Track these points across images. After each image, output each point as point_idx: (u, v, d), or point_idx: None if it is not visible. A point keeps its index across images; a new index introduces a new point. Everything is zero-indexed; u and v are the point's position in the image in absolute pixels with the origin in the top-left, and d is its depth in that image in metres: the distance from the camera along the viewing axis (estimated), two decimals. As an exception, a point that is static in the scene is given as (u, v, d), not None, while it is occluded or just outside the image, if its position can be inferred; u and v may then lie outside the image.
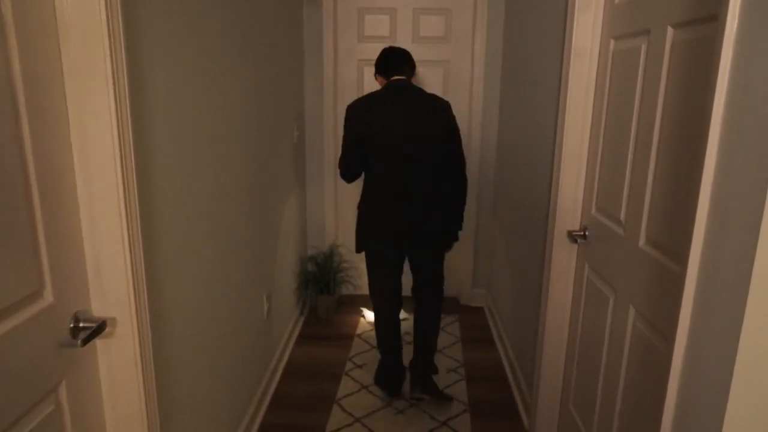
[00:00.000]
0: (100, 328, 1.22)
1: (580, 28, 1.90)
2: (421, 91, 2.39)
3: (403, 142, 2.29)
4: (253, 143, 2.25)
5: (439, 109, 2.36)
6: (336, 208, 3.65)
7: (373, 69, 3.39)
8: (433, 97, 2.38)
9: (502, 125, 3.31)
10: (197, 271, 1.68)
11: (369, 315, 3.51)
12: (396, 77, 2.40)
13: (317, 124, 3.50)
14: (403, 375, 2.66)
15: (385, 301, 2.55)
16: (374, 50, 3.37)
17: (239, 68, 2.03)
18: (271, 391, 2.61)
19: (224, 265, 1.93)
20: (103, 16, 1.09)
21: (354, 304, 3.68)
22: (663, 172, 1.41)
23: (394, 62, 2.42)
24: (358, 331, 3.29)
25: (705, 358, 1.03)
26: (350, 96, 3.48)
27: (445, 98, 3.29)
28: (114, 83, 1.14)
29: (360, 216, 2.45)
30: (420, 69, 3.42)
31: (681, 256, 1.31)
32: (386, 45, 3.34)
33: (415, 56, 3.37)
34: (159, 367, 1.42)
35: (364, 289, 3.71)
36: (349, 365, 2.90)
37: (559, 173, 2.03)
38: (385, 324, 2.57)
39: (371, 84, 3.46)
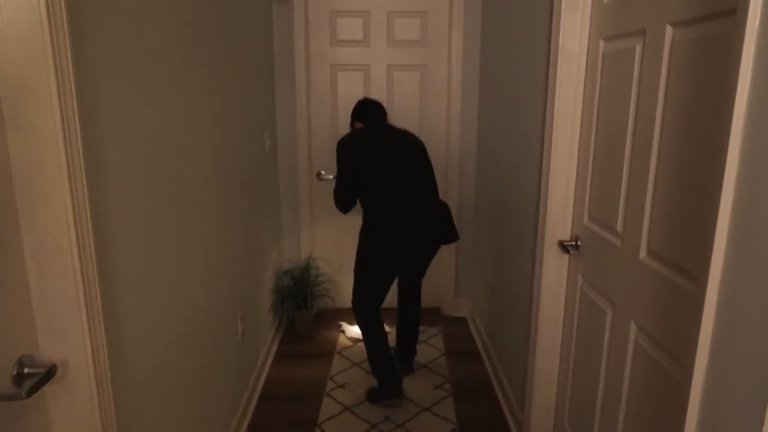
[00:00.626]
0: (49, 374, 1.06)
1: (568, 30, 1.81)
2: (395, 128, 2.64)
3: (398, 166, 2.50)
4: (221, 153, 2.10)
5: (417, 140, 2.63)
6: (312, 219, 3.51)
7: (347, 74, 3.30)
8: (409, 134, 2.65)
9: (481, 130, 3.22)
10: (162, 299, 1.53)
11: (349, 329, 3.37)
12: (374, 121, 2.62)
13: (290, 131, 3.36)
14: (401, 376, 2.62)
15: (376, 315, 2.59)
16: (348, 54, 3.26)
17: (203, 73, 1.89)
18: (248, 418, 2.45)
19: (193, 289, 1.78)
20: (44, 16, 0.95)
21: (333, 318, 3.54)
22: (666, 180, 1.33)
23: (372, 110, 2.64)
24: (338, 348, 3.15)
25: (731, 390, 0.94)
26: (324, 102, 3.35)
27: (423, 103, 3.22)
28: (58, 88, 0.99)
29: (367, 240, 2.56)
30: (396, 74, 3.32)
31: (691, 273, 1.22)
32: (360, 49, 3.27)
33: (391, 60, 3.29)
34: (121, 411, 1.26)
35: (342, 303, 3.59)
36: (330, 385, 2.76)
37: (548, 180, 1.94)
38: (381, 340, 2.59)
39: (345, 90, 3.34)
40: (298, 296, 3.28)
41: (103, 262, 1.18)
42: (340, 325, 3.43)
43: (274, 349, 3.11)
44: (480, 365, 2.96)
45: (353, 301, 2.62)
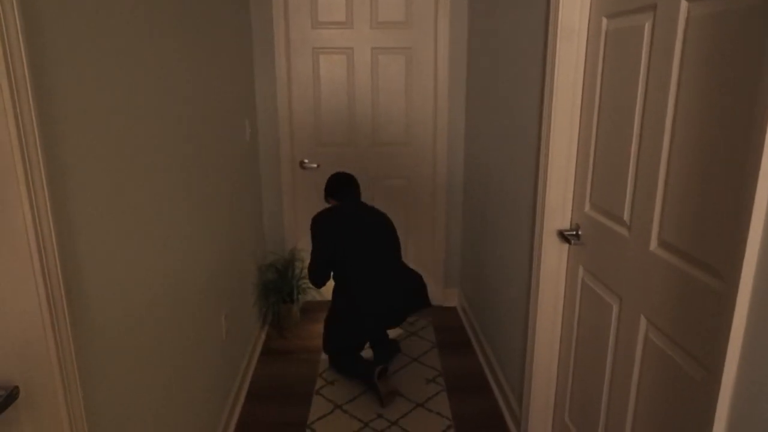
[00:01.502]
0: (11, 397, 0.94)
1: (567, 7, 1.71)
2: (368, 206, 2.73)
3: (371, 242, 2.59)
4: (198, 142, 1.96)
5: (385, 217, 2.70)
6: (295, 209, 3.38)
7: (330, 58, 3.16)
8: (379, 210, 2.74)
9: (471, 114, 3.12)
10: (137, 299, 1.41)
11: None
12: (348, 198, 2.70)
13: (271, 119, 3.21)
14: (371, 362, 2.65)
15: (349, 357, 2.69)
16: (330, 37, 3.13)
17: (176, 61, 1.75)
18: (234, 421, 2.35)
19: (172, 288, 1.65)
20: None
21: (319, 311, 3.43)
22: (681, 166, 1.24)
23: (345, 186, 2.71)
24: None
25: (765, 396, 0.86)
26: (306, 87, 3.21)
27: (409, 87, 3.11)
28: (10, 83, 0.85)
29: (338, 315, 2.65)
30: (380, 57, 3.19)
31: (711, 266, 1.14)
32: (343, 31, 3.12)
33: (374, 43, 3.16)
34: (96, 428, 1.15)
35: (329, 296, 3.48)
36: (319, 382, 2.66)
37: (546, 166, 1.85)
38: (354, 369, 2.66)
39: (328, 74, 3.20)
40: (283, 290, 3.16)
41: (68, 261, 1.05)
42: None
43: (260, 347, 3.00)
44: (473, 357, 2.89)
45: (324, 348, 2.78)
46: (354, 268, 2.59)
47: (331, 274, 2.68)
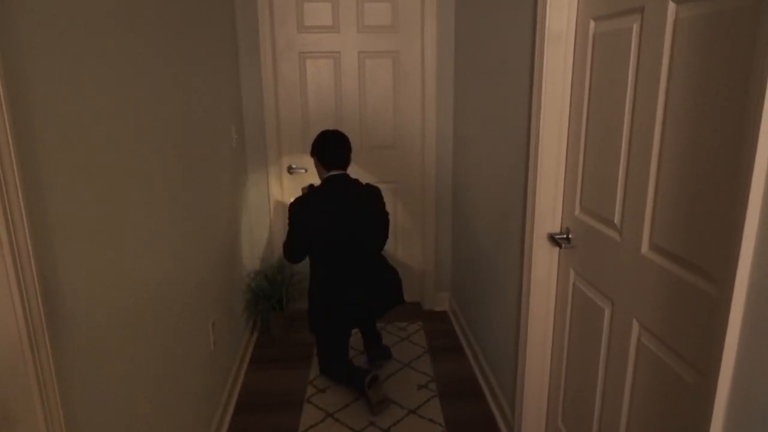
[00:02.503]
0: (-13, 419, 0.91)
1: (554, 10, 1.70)
2: (357, 182, 2.52)
3: (349, 235, 2.45)
4: (184, 150, 1.93)
5: (374, 196, 2.55)
6: (284, 215, 3.35)
7: (317, 62, 3.13)
8: (368, 186, 2.56)
9: (459, 117, 3.11)
10: (124, 314, 1.37)
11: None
12: (335, 172, 2.49)
13: (258, 123, 3.18)
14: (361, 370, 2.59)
15: (341, 366, 2.65)
16: (317, 41, 3.10)
17: (159, 64, 1.71)
18: (224, 431, 2.31)
19: (159, 298, 1.62)
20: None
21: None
22: (671, 170, 1.23)
23: (334, 152, 2.49)
24: (316, 350, 3.01)
25: (764, 402, 0.85)
26: (293, 92, 3.18)
27: (396, 91, 3.09)
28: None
29: (313, 300, 2.57)
30: (367, 61, 3.17)
31: (703, 269, 1.13)
32: (329, 35, 3.10)
33: (361, 47, 3.14)
34: (78, 450, 1.11)
35: (320, 301, 3.45)
36: (309, 390, 2.63)
37: (536, 170, 1.84)
38: (346, 376, 2.62)
39: (315, 78, 3.17)
40: (273, 297, 3.12)
41: (46, 274, 1.02)
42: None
43: (249, 355, 2.96)
44: (465, 362, 2.87)
45: (317, 356, 2.74)
46: (328, 259, 2.49)
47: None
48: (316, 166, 2.56)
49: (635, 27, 1.37)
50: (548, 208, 1.86)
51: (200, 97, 2.17)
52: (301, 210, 2.46)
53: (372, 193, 2.55)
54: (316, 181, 2.67)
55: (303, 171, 3.27)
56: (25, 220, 0.93)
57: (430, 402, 2.51)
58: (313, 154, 2.54)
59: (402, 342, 3.07)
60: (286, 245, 2.55)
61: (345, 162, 2.52)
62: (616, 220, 1.49)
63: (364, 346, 2.88)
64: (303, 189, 2.64)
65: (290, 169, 3.28)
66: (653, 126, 1.29)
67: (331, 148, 2.49)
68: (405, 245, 3.47)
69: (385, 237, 2.65)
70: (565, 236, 1.80)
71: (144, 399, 1.48)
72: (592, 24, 1.60)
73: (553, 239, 1.85)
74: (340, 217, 2.44)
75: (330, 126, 3.22)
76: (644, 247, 1.36)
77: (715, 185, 1.08)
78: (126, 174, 1.40)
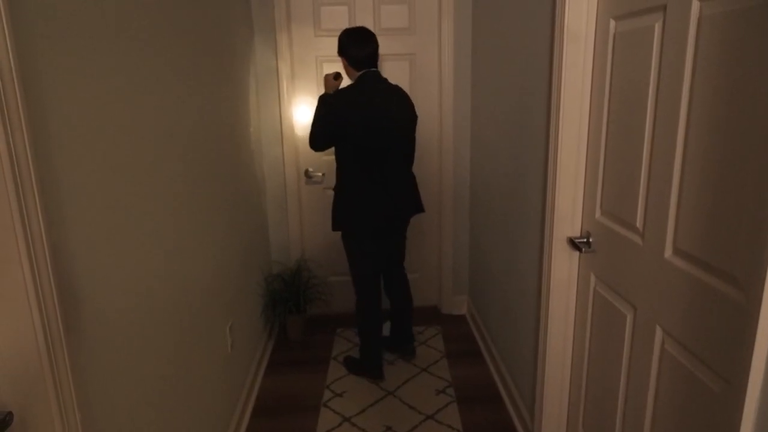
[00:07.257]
0: (4, 423, 0.91)
1: (573, 9, 1.67)
2: (388, 82, 2.50)
3: (382, 135, 2.41)
4: (202, 154, 1.94)
5: (407, 100, 2.53)
6: (301, 220, 3.35)
7: (334, 66, 3.12)
8: (399, 89, 2.53)
9: (476, 120, 3.08)
10: (141, 319, 1.37)
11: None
12: (366, 69, 2.46)
13: (275, 127, 3.18)
14: (381, 364, 2.73)
15: (372, 288, 2.64)
16: (334, 45, 3.08)
17: (178, 68, 1.72)
18: (242, 434, 2.31)
19: (177, 302, 1.62)
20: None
21: (327, 323, 3.39)
22: (696, 172, 1.19)
23: (364, 50, 2.44)
24: (334, 353, 3.01)
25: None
26: (310, 95, 3.18)
27: (413, 94, 3.08)
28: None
29: (340, 200, 2.53)
30: (384, 64, 3.16)
31: (731, 274, 1.09)
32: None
33: (378, 50, 3.12)
34: (94, 454, 1.11)
35: (336, 307, 3.46)
36: (327, 394, 2.62)
37: (555, 172, 1.81)
38: (374, 316, 2.66)
39: (332, 82, 3.17)
40: (290, 300, 3.13)
41: (64, 281, 1.02)
42: (336, 331, 3.29)
43: (266, 358, 2.96)
44: (483, 367, 2.84)
45: (351, 273, 2.69)
46: (356, 157, 2.43)
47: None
48: (346, 68, 2.52)
49: (657, 26, 1.33)
50: (568, 212, 1.83)
51: (219, 100, 2.18)
52: (335, 105, 2.41)
53: (404, 95, 2.54)
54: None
55: (320, 175, 3.27)
56: (42, 222, 0.93)
57: (448, 407, 2.48)
58: (341, 53, 2.49)
59: (419, 346, 3.05)
60: (312, 135, 2.48)
61: (375, 56, 2.48)
62: (638, 223, 1.45)
63: (385, 289, 2.87)
64: (327, 76, 2.56)
65: (308, 173, 3.28)
66: (676, 126, 1.25)
67: (361, 42, 2.44)
68: (423, 247, 3.45)
69: (414, 140, 2.61)
70: (585, 240, 1.76)
71: (161, 401, 1.48)
72: (612, 23, 1.56)
73: (572, 243, 1.81)
74: (377, 115, 2.40)
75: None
76: (668, 252, 1.32)
77: (742, 187, 1.04)
78: (146, 177, 1.40)
